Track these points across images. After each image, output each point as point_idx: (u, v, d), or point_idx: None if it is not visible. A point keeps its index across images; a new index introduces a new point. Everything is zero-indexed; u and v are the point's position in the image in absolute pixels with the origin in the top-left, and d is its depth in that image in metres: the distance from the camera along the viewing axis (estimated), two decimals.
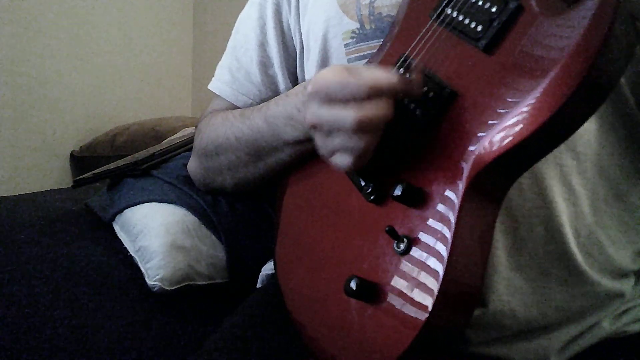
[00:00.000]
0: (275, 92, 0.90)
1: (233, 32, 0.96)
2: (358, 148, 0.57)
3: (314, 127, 0.59)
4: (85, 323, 0.88)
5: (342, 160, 0.58)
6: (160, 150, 1.21)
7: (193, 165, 0.98)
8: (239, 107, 0.92)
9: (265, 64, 0.90)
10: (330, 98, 0.57)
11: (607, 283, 0.70)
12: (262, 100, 0.89)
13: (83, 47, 2.32)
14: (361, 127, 0.55)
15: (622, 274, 0.72)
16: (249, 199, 1.03)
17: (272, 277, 0.91)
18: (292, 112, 0.73)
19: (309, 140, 0.71)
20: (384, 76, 0.57)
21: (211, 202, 1.01)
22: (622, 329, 0.73)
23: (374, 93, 0.56)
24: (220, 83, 0.94)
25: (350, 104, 0.56)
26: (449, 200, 0.55)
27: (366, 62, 0.72)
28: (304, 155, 0.75)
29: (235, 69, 0.93)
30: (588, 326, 0.71)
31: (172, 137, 1.55)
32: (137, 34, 2.58)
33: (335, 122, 0.57)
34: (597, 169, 0.69)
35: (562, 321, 0.70)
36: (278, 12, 0.89)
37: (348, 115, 0.55)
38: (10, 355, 0.81)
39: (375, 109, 0.55)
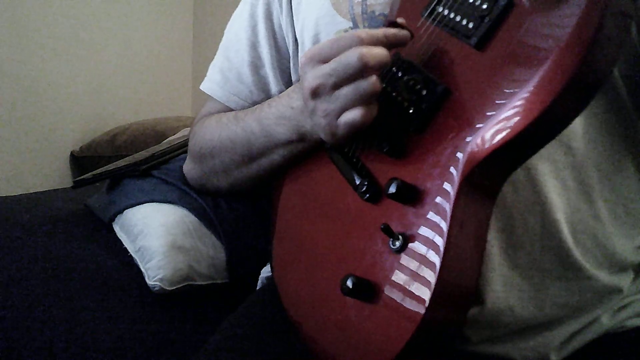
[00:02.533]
0: (267, 93, 0.90)
1: (226, 30, 0.96)
2: (365, 92, 0.59)
3: (316, 89, 0.61)
4: (85, 323, 0.88)
5: (351, 115, 0.60)
6: (160, 150, 1.21)
7: (189, 167, 0.99)
8: (231, 108, 0.92)
9: (256, 65, 0.90)
10: (326, 57, 0.60)
11: (605, 277, 0.70)
12: (254, 101, 0.90)
13: (83, 47, 2.32)
14: (365, 62, 0.57)
15: (620, 268, 0.72)
16: (249, 199, 1.03)
17: (271, 279, 0.91)
18: (284, 111, 0.73)
19: (300, 139, 0.72)
20: (371, 29, 0.60)
21: (211, 203, 1.01)
22: (621, 324, 0.73)
23: (366, 42, 0.59)
24: (212, 84, 0.94)
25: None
26: (444, 196, 0.56)
27: None
28: (296, 156, 0.76)
29: (226, 69, 0.93)
30: (587, 322, 0.71)
31: (172, 137, 1.55)
32: (137, 34, 2.58)
33: (338, 67, 0.59)
34: (590, 164, 0.69)
35: (561, 317, 0.70)
36: (269, 12, 0.88)
37: (351, 54, 0.58)
38: (10, 355, 0.81)
39: (374, 48, 0.58)
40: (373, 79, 0.58)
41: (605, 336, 0.72)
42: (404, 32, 0.61)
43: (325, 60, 0.60)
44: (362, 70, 0.58)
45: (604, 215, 0.70)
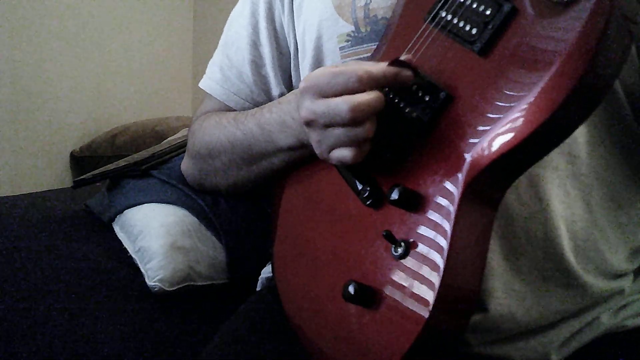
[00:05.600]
0: (267, 93, 0.89)
1: (225, 28, 0.95)
2: (356, 137, 0.58)
3: (310, 123, 0.60)
4: (84, 323, 0.88)
5: (342, 154, 0.59)
6: (160, 150, 1.21)
7: (186, 166, 0.98)
8: (230, 107, 0.91)
9: (257, 64, 0.89)
10: (323, 91, 0.59)
11: (604, 284, 0.71)
12: (254, 100, 0.89)
13: (83, 47, 2.32)
14: (356, 114, 0.56)
15: (618, 275, 0.72)
16: (249, 199, 1.03)
17: (271, 280, 0.91)
18: (286, 119, 0.73)
19: (302, 146, 0.72)
20: (373, 66, 0.59)
21: (211, 203, 1.01)
22: (621, 324, 0.73)
23: (365, 82, 0.57)
24: (212, 82, 0.93)
25: (343, 94, 0.57)
26: (446, 203, 0.55)
27: None
28: (297, 160, 0.76)
29: (226, 68, 0.92)
30: (587, 322, 0.72)
31: (172, 137, 1.55)
32: (137, 34, 2.58)
33: (330, 112, 0.58)
34: (592, 172, 0.69)
35: (561, 319, 0.70)
36: (270, 11, 0.87)
37: (342, 103, 0.57)
38: (10, 355, 0.81)
39: (368, 96, 0.57)
40: (366, 126, 0.57)
41: (606, 336, 0.73)
42: (406, 73, 0.59)
43: (322, 94, 0.59)
44: (352, 121, 0.57)
45: (605, 223, 0.70)
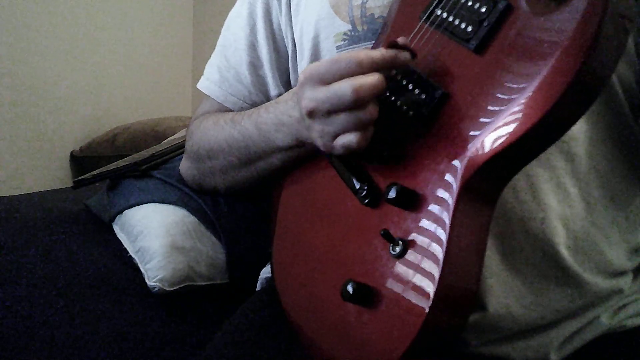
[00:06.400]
0: (265, 93, 0.90)
1: (223, 29, 0.95)
2: (360, 120, 0.58)
3: (312, 112, 0.61)
4: (84, 324, 0.88)
5: (346, 139, 0.59)
6: (160, 150, 1.21)
7: (185, 167, 0.98)
8: (228, 108, 0.91)
9: (255, 65, 0.89)
10: (324, 78, 0.59)
11: (604, 282, 0.70)
12: (252, 101, 0.89)
13: (83, 47, 2.32)
14: (359, 96, 0.57)
15: (617, 273, 0.72)
16: (249, 199, 1.03)
17: (270, 280, 0.91)
18: (283, 119, 0.73)
19: (299, 145, 0.72)
20: (372, 50, 0.60)
21: (211, 203, 1.01)
22: (620, 324, 0.73)
23: (365, 65, 0.58)
24: (210, 83, 0.94)
25: (344, 78, 0.58)
26: (444, 202, 0.55)
27: None
28: (295, 160, 0.76)
29: (224, 69, 0.92)
30: (587, 321, 0.71)
31: (172, 137, 1.55)
32: (137, 34, 2.58)
33: (333, 97, 0.58)
34: (590, 170, 0.69)
35: (561, 319, 0.70)
36: (268, 12, 0.88)
37: (345, 87, 0.57)
38: (10, 355, 0.81)
39: (369, 77, 0.57)
40: (370, 109, 0.58)
41: (605, 335, 0.72)
42: (404, 55, 0.60)
43: (323, 81, 0.59)
44: (356, 102, 0.57)
45: (603, 221, 0.70)
